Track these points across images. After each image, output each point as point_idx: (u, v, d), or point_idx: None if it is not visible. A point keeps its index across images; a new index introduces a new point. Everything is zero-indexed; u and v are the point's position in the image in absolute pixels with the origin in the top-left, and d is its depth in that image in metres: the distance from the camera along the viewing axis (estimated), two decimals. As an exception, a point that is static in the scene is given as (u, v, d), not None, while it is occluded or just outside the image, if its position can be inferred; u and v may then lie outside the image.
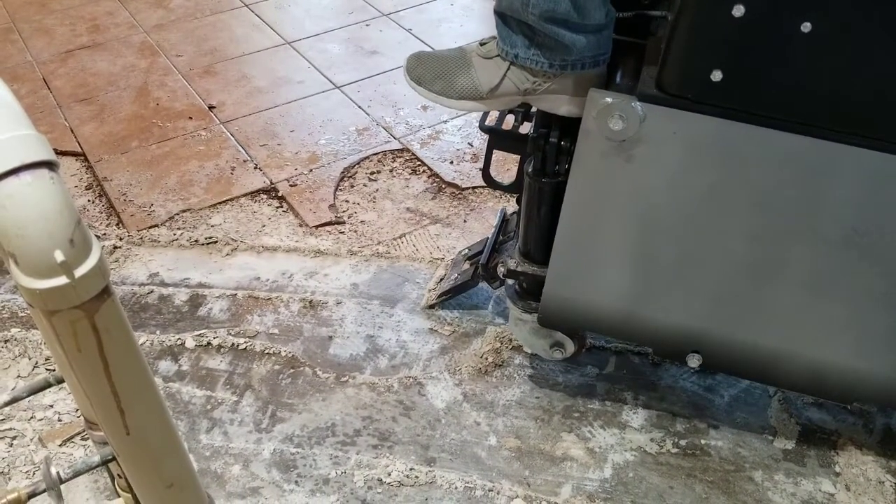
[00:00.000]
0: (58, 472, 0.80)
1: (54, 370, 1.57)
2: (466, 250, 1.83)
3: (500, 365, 1.63)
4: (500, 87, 1.27)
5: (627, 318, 1.38)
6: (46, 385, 0.86)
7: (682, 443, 1.49)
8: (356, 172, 2.19)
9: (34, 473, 1.43)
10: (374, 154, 2.26)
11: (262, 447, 1.48)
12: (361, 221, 2.02)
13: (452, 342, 1.69)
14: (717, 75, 1.09)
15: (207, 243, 1.95)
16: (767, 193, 1.18)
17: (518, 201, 1.61)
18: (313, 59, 2.72)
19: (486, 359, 1.63)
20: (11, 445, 1.48)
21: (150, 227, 2.00)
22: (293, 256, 1.91)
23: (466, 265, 1.76)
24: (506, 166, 1.42)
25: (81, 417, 0.96)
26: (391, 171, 2.20)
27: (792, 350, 1.32)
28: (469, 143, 2.28)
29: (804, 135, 1.11)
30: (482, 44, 1.29)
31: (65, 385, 0.85)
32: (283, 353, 1.66)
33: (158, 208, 2.07)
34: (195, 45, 2.82)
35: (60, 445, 1.48)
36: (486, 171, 1.50)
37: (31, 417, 1.53)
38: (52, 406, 1.54)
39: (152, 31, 2.90)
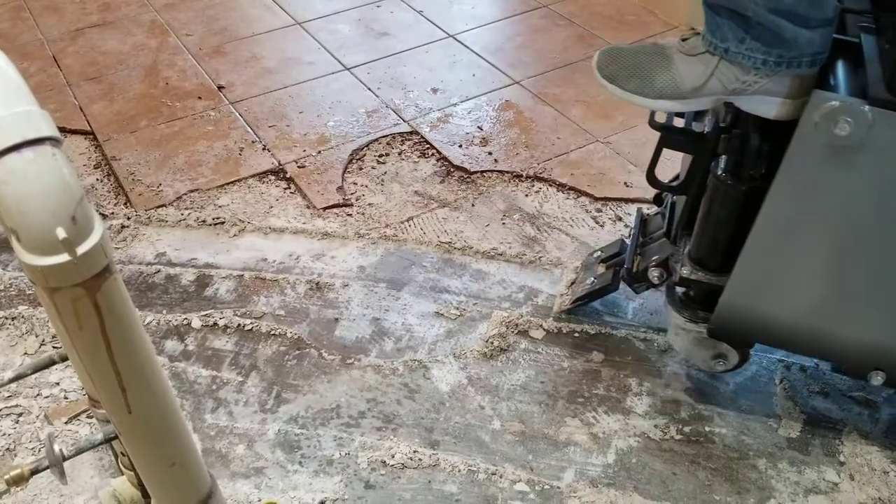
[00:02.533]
0: (61, 450, 0.80)
1: (60, 348, 1.58)
2: (599, 252, 1.76)
3: (505, 349, 1.63)
4: (705, 86, 1.20)
5: (810, 333, 1.33)
6: (51, 363, 0.86)
7: (686, 429, 1.48)
8: (365, 155, 2.19)
9: (39, 450, 1.44)
10: (383, 136, 2.25)
11: (266, 427, 1.48)
12: (369, 204, 2.02)
13: (458, 326, 1.69)
14: None
15: (215, 224, 1.95)
16: None
17: (655, 199, 1.57)
18: (323, 39, 2.71)
19: (492, 343, 1.63)
20: (17, 422, 1.49)
21: (158, 207, 2.00)
22: (300, 238, 1.91)
23: (602, 268, 1.69)
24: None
25: (86, 395, 0.97)
26: (400, 153, 2.20)
27: None
28: (479, 127, 2.27)
29: None
30: (683, 39, 1.23)
31: (70, 363, 0.85)
32: (289, 335, 1.66)
33: (166, 188, 2.07)
34: (205, 25, 2.81)
35: (66, 423, 1.49)
36: (651, 172, 1.39)
37: (38, 394, 1.54)
38: (58, 384, 1.55)
39: (162, 11, 2.90)
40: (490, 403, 1.53)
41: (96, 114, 2.36)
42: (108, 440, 0.83)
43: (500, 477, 1.41)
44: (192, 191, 2.06)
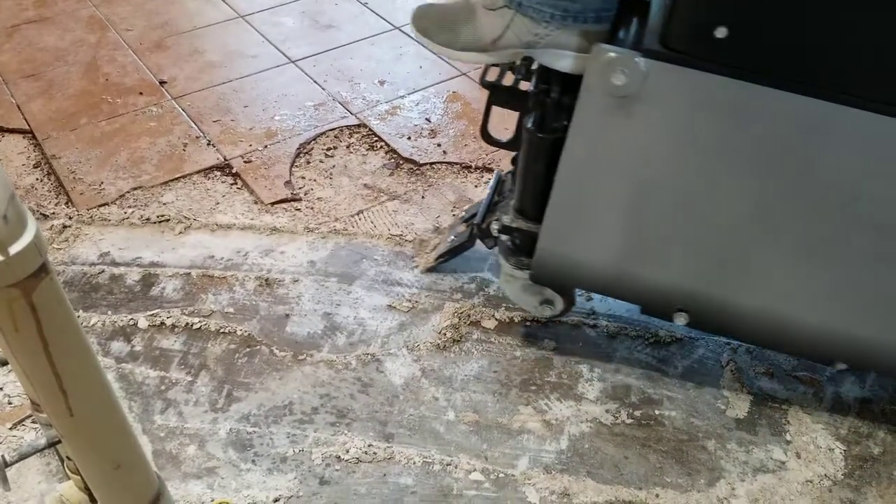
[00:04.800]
0: (3, 456, 0.78)
1: None
2: (464, 213, 1.84)
3: (458, 340, 1.63)
4: (502, 38, 1.27)
5: (618, 276, 1.40)
6: (-10, 367, 0.84)
7: (637, 413, 1.51)
8: (312, 148, 2.17)
9: (-17, 457, 1.40)
10: (331, 130, 2.23)
11: (217, 427, 1.47)
12: (318, 198, 2.00)
13: (411, 318, 1.69)
14: (721, 32, 1.08)
15: (160, 221, 1.91)
16: (769, 155, 1.18)
17: (513, 161, 1.61)
18: (267, 32, 2.67)
19: (445, 334, 1.63)
20: (-41, 430, 1.45)
21: (101, 206, 1.96)
22: (248, 234, 1.89)
23: (463, 227, 1.77)
24: (503, 125, 1.42)
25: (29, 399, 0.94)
26: (348, 146, 2.18)
27: (780, 312, 1.34)
28: (427, 119, 2.27)
29: (809, 96, 1.10)
30: None
31: (10, 367, 0.83)
32: (239, 332, 1.64)
33: (109, 186, 2.02)
34: (146, 19, 2.75)
35: (10, 428, 1.45)
36: (484, 128, 1.48)
37: (-20, 401, 1.50)
38: (1, 388, 1.51)
39: (101, 5, 2.83)
40: (444, 395, 1.53)
41: (35, 112, 2.30)
42: (51, 444, 0.82)
43: (456, 467, 1.41)
44: (135, 188, 2.02)
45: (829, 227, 1.22)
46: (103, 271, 1.78)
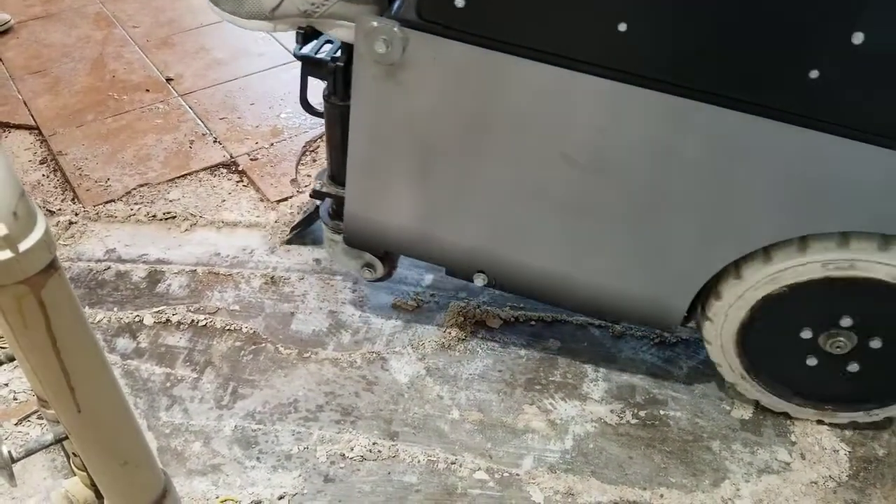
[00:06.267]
0: (10, 452, 0.78)
1: (6, 348, 1.54)
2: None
3: (463, 339, 1.63)
4: (280, 6, 1.29)
5: (421, 238, 1.45)
6: (-3, 363, 0.84)
7: (642, 414, 1.50)
8: (318, 146, 2.17)
9: (-11, 453, 1.41)
10: (336, 128, 2.23)
11: (222, 424, 1.47)
12: (323, 196, 2.00)
13: (416, 317, 1.69)
14: (460, 1, 1.13)
15: (166, 218, 1.92)
16: (519, 119, 1.24)
17: None
18: (274, 31, 2.67)
19: (450, 333, 1.63)
20: (-35, 425, 1.45)
21: (107, 203, 1.96)
22: (254, 231, 1.89)
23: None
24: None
25: (35, 396, 0.95)
26: (353, 145, 2.18)
27: (561, 271, 1.40)
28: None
29: (545, 63, 1.16)
30: None
31: (17, 363, 0.83)
32: (245, 330, 1.64)
33: (115, 183, 2.03)
34: (152, 16, 2.75)
35: (16, 424, 1.46)
36: (303, 98, 1.51)
37: (-14, 396, 1.50)
38: (6, 384, 1.52)
39: (108, 2, 2.84)
40: (448, 393, 1.53)
41: (41, 108, 2.30)
42: (58, 441, 0.82)
43: (460, 466, 1.41)
44: (141, 185, 2.02)
45: (582, 187, 1.28)
46: (109, 268, 1.78)
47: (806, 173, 1.15)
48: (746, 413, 1.51)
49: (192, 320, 1.65)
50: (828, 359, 1.36)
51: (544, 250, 1.39)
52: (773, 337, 1.36)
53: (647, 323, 1.46)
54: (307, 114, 1.53)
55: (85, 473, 0.89)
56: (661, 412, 1.51)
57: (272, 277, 1.76)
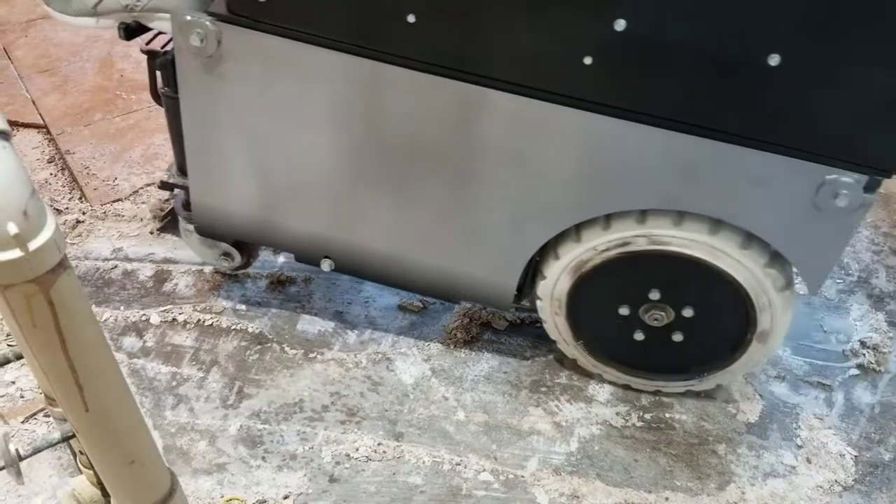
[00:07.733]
0: (17, 449, 0.79)
1: (15, 346, 1.54)
2: None
3: (468, 341, 1.63)
4: (103, 2, 1.30)
5: (265, 226, 1.47)
6: (5, 361, 0.85)
7: (647, 416, 1.50)
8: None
9: (-4, 450, 1.41)
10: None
11: (228, 423, 1.47)
12: (330, 196, 2.01)
13: (421, 318, 1.69)
14: None
15: (173, 218, 1.92)
16: (332, 109, 1.27)
17: None
18: (281, 31, 2.67)
19: (455, 335, 1.63)
20: (-28, 422, 1.46)
21: (114, 202, 1.97)
22: (260, 231, 1.89)
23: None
24: None
25: (42, 394, 0.95)
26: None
27: (396, 253, 1.44)
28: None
29: (346, 53, 1.19)
30: None
31: (25, 361, 0.83)
32: (251, 330, 1.64)
33: (122, 182, 2.03)
34: (160, 16, 2.76)
35: (23, 422, 1.46)
36: (152, 89, 1.50)
37: (-7, 394, 1.51)
38: (13, 382, 1.52)
39: (116, 1, 2.84)
40: (454, 394, 1.53)
41: (49, 107, 2.31)
42: (65, 439, 0.82)
43: (465, 467, 1.41)
44: (148, 184, 2.02)
45: (402, 173, 1.31)
46: (116, 267, 1.79)
47: (598, 155, 1.20)
48: (753, 416, 1.50)
49: (199, 320, 1.66)
50: (652, 332, 1.41)
51: (379, 234, 1.42)
52: (597, 313, 1.42)
53: (483, 302, 1.51)
54: (156, 103, 1.53)
55: (91, 472, 0.89)
56: (667, 415, 1.51)
57: (279, 277, 1.76)
